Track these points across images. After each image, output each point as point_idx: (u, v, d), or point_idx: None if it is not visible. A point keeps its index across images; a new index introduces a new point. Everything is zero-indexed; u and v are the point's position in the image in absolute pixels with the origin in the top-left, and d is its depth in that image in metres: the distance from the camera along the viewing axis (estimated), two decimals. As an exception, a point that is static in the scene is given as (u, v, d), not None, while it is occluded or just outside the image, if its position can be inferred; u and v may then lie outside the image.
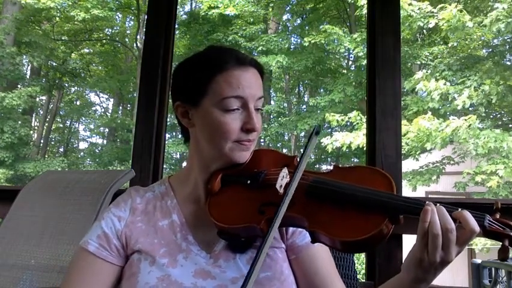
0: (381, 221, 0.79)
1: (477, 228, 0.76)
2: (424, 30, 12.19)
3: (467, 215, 0.77)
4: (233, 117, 0.90)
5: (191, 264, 0.90)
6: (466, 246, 0.82)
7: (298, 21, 16.74)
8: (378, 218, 0.79)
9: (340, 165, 0.95)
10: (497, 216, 0.80)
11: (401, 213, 0.81)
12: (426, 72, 10.10)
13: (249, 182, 0.92)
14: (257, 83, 0.94)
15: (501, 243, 0.78)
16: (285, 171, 0.90)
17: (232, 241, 0.91)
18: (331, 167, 0.94)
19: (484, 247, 8.32)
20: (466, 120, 8.68)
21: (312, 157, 16.76)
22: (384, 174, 0.88)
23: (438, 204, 0.79)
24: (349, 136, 9.54)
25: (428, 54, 12.09)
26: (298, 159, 0.93)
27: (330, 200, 0.85)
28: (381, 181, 0.87)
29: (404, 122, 9.42)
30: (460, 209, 0.79)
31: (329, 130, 13.61)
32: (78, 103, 19.91)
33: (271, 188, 0.89)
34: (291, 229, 0.97)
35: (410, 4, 9.96)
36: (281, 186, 0.88)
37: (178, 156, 17.79)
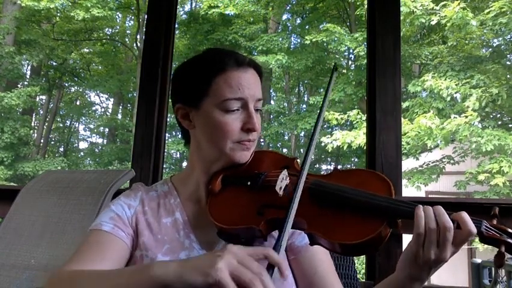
0: (379, 225, 0.79)
1: (474, 230, 0.77)
2: (424, 30, 12.17)
3: (465, 216, 0.78)
4: (233, 117, 0.91)
5: None
6: (466, 246, 0.83)
7: (298, 21, 16.72)
8: (377, 222, 0.80)
9: (340, 168, 0.95)
10: (495, 222, 0.80)
11: (399, 218, 0.82)
12: (428, 73, 10.07)
13: (249, 183, 0.93)
14: (256, 83, 0.95)
15: (497, 249, 0.78)
16: (284, 173, 0.91)
17: (232, 241, 0.91)
18: (331, 169, 0.94)
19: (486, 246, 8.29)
20: (466, 117, 8.68)
21: (312, 157, 16.73)
22: (383, 178, 0.89)
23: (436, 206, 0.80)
24: (349, 135, 9.53)
25: (428, 53, 12.08)
26: (299, 161, 0.94)
27: (329, 203, 0.85)
28: (380, 185, 0.87)
29: (405, 121, 9.41)
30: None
31: (329, 130, 13.59)
32: (78, 103, 19.90)
33: (271, 190, 0.89)
34: (290, 230, 0.97)
35: (413, 1, 9.93)
36: (281, 188, 0.88)
37: (178, 156, 17.77)
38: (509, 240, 0.77)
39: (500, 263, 0.77)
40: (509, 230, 0.79)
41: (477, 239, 0.82)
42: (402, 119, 2.01)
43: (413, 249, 0.80)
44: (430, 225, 0.77)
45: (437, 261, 0.78)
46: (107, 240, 0.91)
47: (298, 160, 0.95)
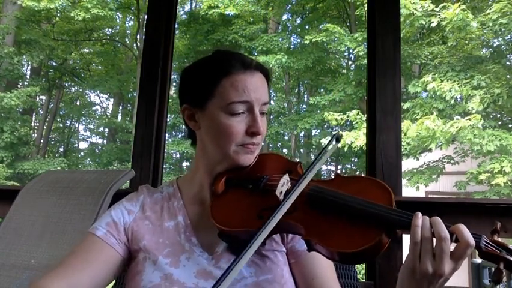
0: (377, 235, 0.78)
1: (472, 241, 0.75)
2: (424, 30, 12.16)
3: (463, 227, 0.76)
4: (238, 120, 0.92)
5: (193, 265, 0.92)
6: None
7: (299, 21, 16.72)
8: (375, 231, 0.79)
9: (342, 175, 0.95)
10: (496, 237, 0.78)
11: (398, 228, 0.81)
12: (428, 74, 10.05)
13: (250, 186, 0.93)
14: (263, 87, 0.96)
15: (496, 265, 0.76)
16: (286, 178, 0.91)
17: (233, 243, 0.92)
18: (331, 170, 0.93)
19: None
20: (470, 119, 8.67)
21: (312, 157, 16.75)
22: (384, 186, 0.88)
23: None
24: (349, 136, 9.52)
25: (428, 54, 12.07)
26: (301, 166, 0.94)
27: (328, 210, 0.85)
28: (380, 192, 0.86)
29: (407, 122, 9.39)
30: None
31: (329, 130, 13.59)
32: (78, 103, 19.90)
33: (272, 194, 0.89)
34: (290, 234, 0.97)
35: (413, 3, 9.92)
36: (281, 192, 0.89)
37: (178, 156, 17.77)
38: (508, 257, 0.75)
39: (498, 280, 0.75)
40: (510, 247, 0.76)
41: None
42: (403, 120, 2.00)
43: (410, 263, 0.78)
44: (425, 234, 0.76)
45: (435, 276, 0.76)
46: (97, 246, 0.95)
47: (301, 165, 0.95)
